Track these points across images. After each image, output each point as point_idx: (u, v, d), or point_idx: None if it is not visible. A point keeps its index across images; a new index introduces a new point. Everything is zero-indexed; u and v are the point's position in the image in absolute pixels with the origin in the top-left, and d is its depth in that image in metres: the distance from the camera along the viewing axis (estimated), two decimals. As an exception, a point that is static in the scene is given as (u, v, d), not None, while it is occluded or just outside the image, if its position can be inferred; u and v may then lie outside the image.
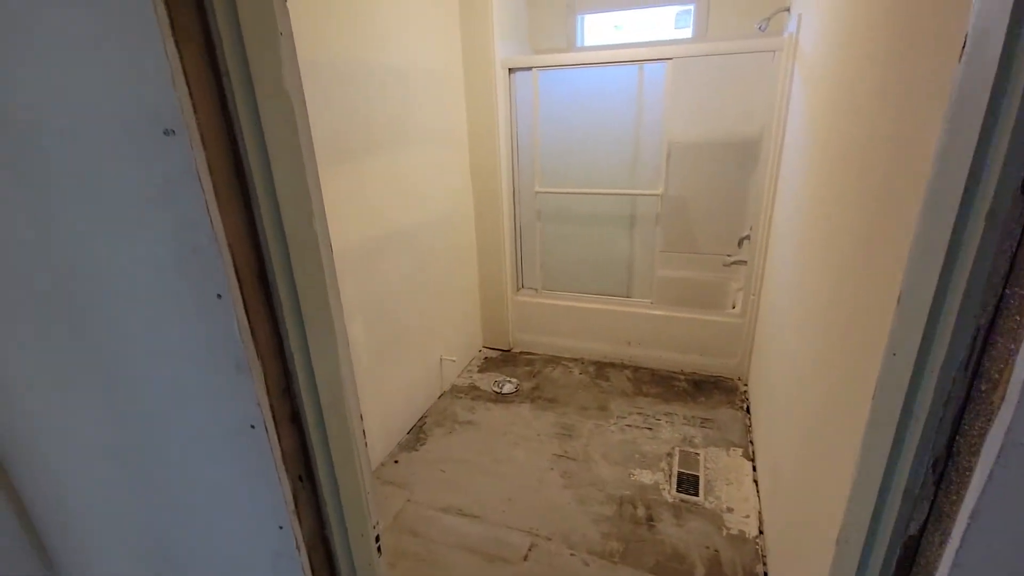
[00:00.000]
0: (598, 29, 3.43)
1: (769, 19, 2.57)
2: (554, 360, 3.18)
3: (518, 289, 3.25)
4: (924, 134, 0.79)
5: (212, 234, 0.59)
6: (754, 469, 2.20)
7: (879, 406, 0.54)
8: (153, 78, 0.53)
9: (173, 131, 0.55)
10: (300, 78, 0.65)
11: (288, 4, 1.62)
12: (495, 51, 2.67)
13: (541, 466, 2.28)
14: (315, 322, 0.69)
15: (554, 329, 3.19)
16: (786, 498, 1.56)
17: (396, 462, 2.35)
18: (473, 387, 2.94)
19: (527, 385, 2.93)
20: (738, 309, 2.87)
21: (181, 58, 0.53)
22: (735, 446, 2.36)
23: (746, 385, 2.81)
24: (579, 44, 3.34)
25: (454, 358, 2.92)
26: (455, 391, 2.91)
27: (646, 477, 2.18)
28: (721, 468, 2.22)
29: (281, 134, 0.62)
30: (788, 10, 2.53)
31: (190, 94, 0.54)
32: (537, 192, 2.95)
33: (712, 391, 2.79)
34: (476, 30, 2.65)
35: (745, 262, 2.91)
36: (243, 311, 0.63)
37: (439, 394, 2.87)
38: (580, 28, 3.30)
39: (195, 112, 0.55)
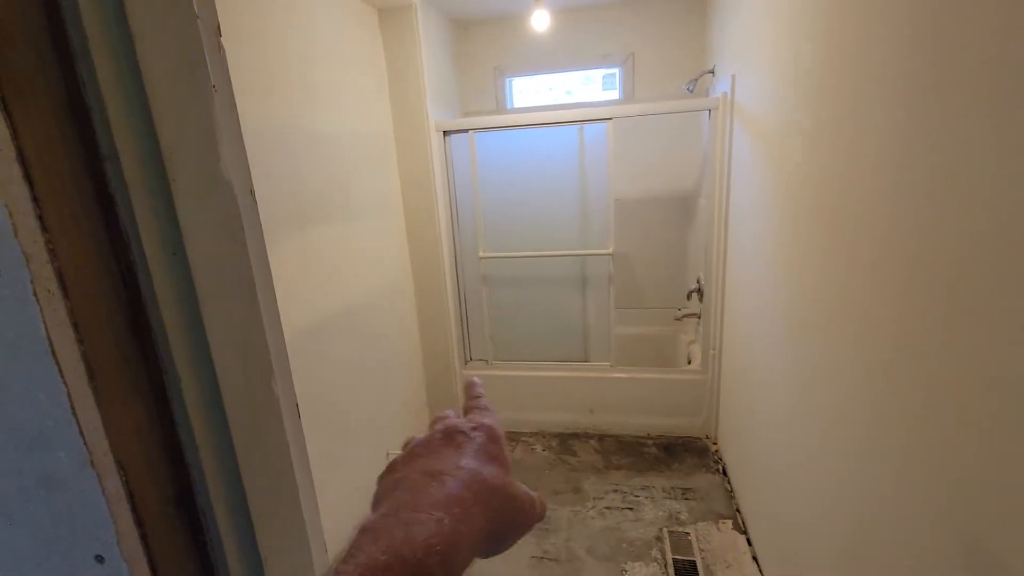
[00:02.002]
0: (527, 92, 3.42)
1: (696, 80, 2.65)
2: (512, 437, 2.89)
3: (467, 362, 2.98)
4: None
5: (84, 454, 0.31)
6: (749, 543, 2.03)
7: None
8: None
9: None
10: (246, 158, 0.40)
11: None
12: (427, 114, 2.51)
13: (521, 576, 1.96)
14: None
15: (509, 403, 2.93)
16: (818, 592, 1.38)
17: (345, 597, 1.91)
18: (426, 482, 2.57)
19: (487, 471, 2.61)
20: (696, 364, 2.79)
21: (13, 127, 0.27)
22: (723, 517, 2.18)
23: (716, 444, 2.69)
24: (509, 106, 3.30)
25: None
26: (406, 489, 2.52)
27: (640, 572, 1.93)
28: (715, 548, 2.03)
29: (216, 252, 0.36)
30: (712, 71, 2.63)
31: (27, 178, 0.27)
32: (481, 257, 2.76)
33: (684, 455, 2.64)
34: (407, 93, 2.48)
35: (698, 315, 2.86)
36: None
37: (388, 496, 2.46)
38: (509, 91, 3.27)
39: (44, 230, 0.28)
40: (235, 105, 0.40)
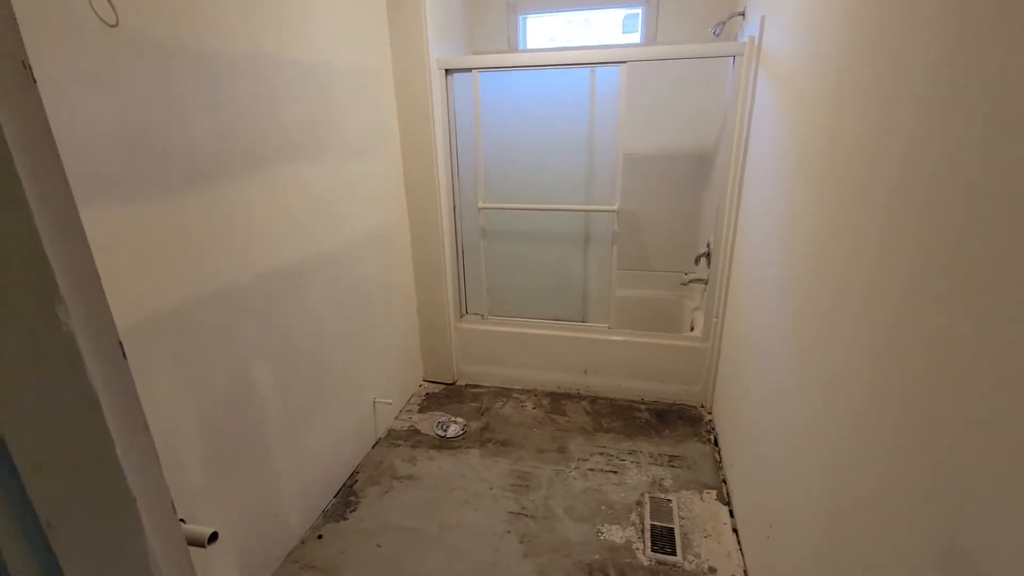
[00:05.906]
0: (539, 37, 3.19)
1: (724, 23, 2.42)
2: (504, 393, 2.86)
3: (462, 316, 2.92)
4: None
5: None
6: (731, 514, 1.98)
7: None
8: None
9: None
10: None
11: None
12: (428, 50, 2.34)
13: (496, 530, 1.95)
14: None
15: (503, 359, 2.88)
16: (798, 567, 1.32)
17: (320, 537, 1.94)
18: (413, 431, 2.56)
19: (475, 425, 2.59)
20: (698, 331, 2.68)
21: None
22: (708, 488, 2.13)
23: (710, 413, 2.62)
24: (522, 47, 3.09)
25: (390, 400, 2.53)
26: (392, 437, 2.52)
27: (616, 535, 1.91)
28: (696, 516, 1.99)
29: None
30: (743, 14, 2.39)
31: None
32: (481, 208, 2.64)
33: (676, 422, 2.58)
34: (406, 25, 2.31)
35: (705, 281, 2.73)
36: None
37: (374, 442, 2.47)
38: (522, 31, 3.05)
39: None
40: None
